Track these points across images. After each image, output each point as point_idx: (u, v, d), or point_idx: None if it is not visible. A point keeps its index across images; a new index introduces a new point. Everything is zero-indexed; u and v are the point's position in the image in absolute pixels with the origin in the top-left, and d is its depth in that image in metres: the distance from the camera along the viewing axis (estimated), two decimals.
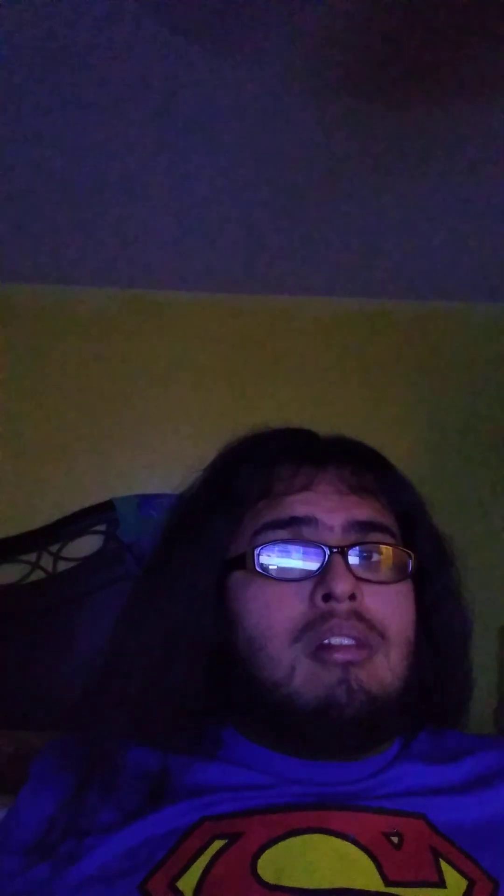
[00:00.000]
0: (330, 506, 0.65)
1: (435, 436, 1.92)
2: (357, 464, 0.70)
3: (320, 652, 0.60)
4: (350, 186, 1.52)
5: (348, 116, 1.30)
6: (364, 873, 0.55)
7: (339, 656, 0.60)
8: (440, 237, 1.70)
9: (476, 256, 1.78)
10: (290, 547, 0.64)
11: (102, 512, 1.81)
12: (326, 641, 0.60)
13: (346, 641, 0.60)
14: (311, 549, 0.63)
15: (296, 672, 0.60)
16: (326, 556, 0.62)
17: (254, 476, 0.68)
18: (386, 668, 0.61)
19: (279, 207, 1.59)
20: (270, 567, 0.63)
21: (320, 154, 1.41)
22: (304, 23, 1.10)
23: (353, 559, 0.63)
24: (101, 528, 1.83)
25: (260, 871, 0.55)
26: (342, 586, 0.60)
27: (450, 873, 0.56)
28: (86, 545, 1.82)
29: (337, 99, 1.26)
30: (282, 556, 0.63)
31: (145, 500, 1.77)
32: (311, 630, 0.61)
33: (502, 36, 1.11)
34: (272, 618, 0.62)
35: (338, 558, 0.62)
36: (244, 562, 0.64)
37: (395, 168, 1.45)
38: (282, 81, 1.22)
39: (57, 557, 1.80)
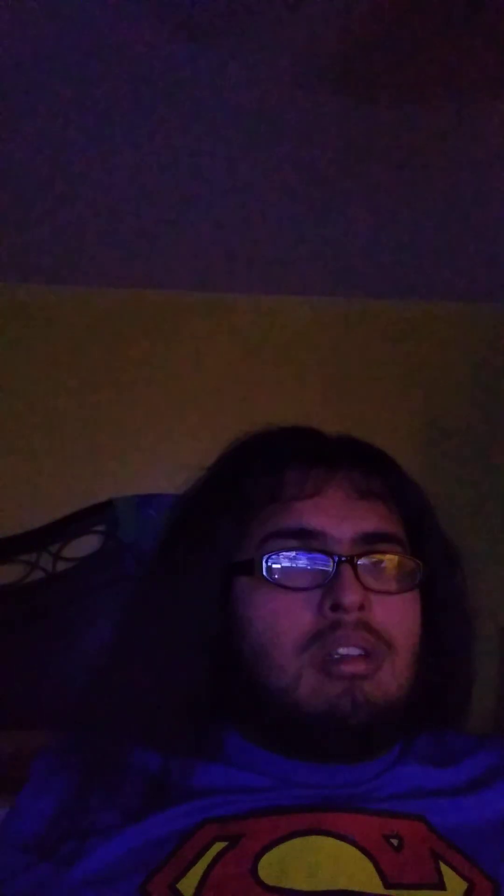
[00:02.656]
0: (339, 514, 0.65)
1: (434, 436, 1.92)
2: (366, 467, 0.69)
3: (328, 665, 0.60)
4: (349, 186, 1.52)
5: (346, 117, 1.30)
6: (364, 875, 0.55)
7: (345, 668, 0.59)
8: (440, 237, 1.70)
9: (476, 256, 1.78)
10: (299, 555, 0.63)
11: (102, 512, 1.81)
12: (335, 654, 0.60)
13: (354, 652, 0.60)
14: (320, 558, 0.63)
15: (301, 681, 0.60)
16: (335, 566, 0.62)
17: (262, 478, 0.67)
18: (391, 679, 0.61)
19: (279, 208, 1.59)
20: (278, 575, 0.63)
21: (319, 155, 1.41)
22: (302, 23, 1.10)
23: (361, 568, 0.62)
24: (101, 528, 1.83)
25: (261, 873, 0.55)
26: (351, 597, 0.60)
27: (449, 875, 0.56)
28: (85, 545, 1.82)
29: (335, 99, 1.26)
30: (290, 565, 0.63)
31: (145, 500, 1.77)
32: (319, 640, 0.60)
33: (498, 32, 1.11)
34: (279, 626, 0.62)
35: (347, 568, 0.61)
36: (251, 568, 0.64)
37: (395, 167, 1.45)
38: (280, 83, 1.22)
39: (56, 557, 1.80)
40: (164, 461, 1.86)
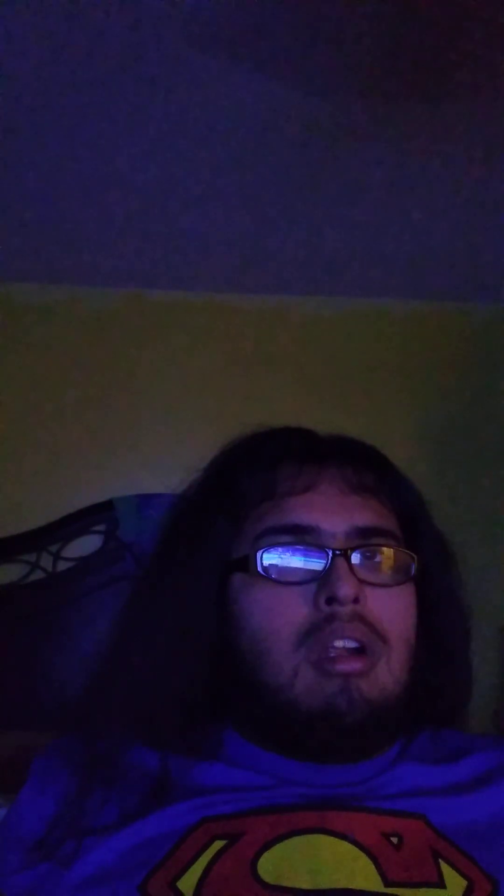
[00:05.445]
0: (332, 509, 0.65)
1: (433, 436, 1.92)
2: (358, 463, 0.69)
3: (323, 663, 0.60)
4: (348, 185, 1.52)
5: (344, 116, 1.30)
6: (364, 873, 0.55)
7: (341, 667, 0.59)
8: (440, 236, 1.70)
9: (476, 256, 1.78)
10: (293, 550, 0.63)
11: (102, 512, 1.81)
12: (331, 651, 0.60)
13: (350, 644, 0.60)
14: (314, 552, 0.63)
15: (298, 678, 0.60)
16: (329, 559, 0.62)
17: (256, 476, 0.67)
18: (387, 675, 0.61)
19: (277, 206, 1.59)
20: (273, 570, 0.63)
21: (318, 153, 1.41)
22: (304, 24, 1.10)
23: (355, 562, 0.62)
24: (101, 528, 1.82)
25: (260, 872, 0.55)
26: (346, 589, 0.60)
27: (449, 874, 0.56)
28: (86, 545, 1.81)
29: (333, 98, 1.26)
30: (284, 560, 0.63)
31: (145, 500, 1.77)
32: (315, 634, 0.60)
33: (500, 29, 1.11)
34: (275, 622, 0.62)
35: (341, 561, 0.61)
36: (246, 564, 0.64)
37: (394, 166, 1.45)
38: (277, 82, 1.22)
39: (57, 557, 1.79)
40: (164, 461, 1.86)
